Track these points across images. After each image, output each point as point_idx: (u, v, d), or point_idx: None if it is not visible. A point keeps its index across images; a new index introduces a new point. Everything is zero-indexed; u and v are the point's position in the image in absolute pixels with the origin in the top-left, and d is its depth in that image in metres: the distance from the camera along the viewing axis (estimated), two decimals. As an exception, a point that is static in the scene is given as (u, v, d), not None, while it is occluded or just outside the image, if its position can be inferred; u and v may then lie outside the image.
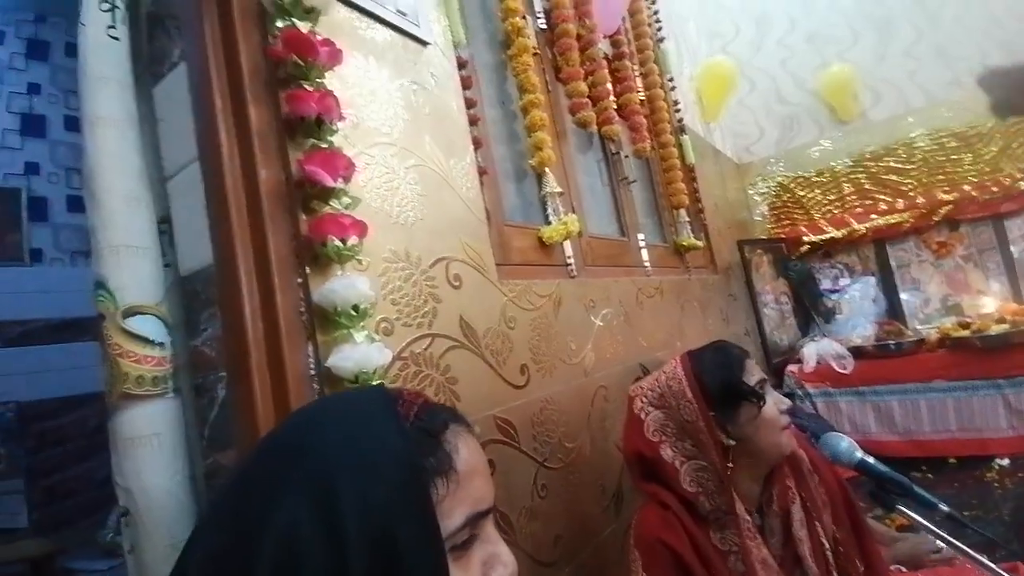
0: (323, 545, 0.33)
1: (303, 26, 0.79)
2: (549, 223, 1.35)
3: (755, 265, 2.92)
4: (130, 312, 0.88)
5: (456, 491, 0.40)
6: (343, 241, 0.73)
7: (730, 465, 0.89)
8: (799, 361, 2.64)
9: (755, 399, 0.91)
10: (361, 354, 0.71)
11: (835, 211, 3.22)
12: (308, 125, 0.75)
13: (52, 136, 3.73)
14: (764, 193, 3.45)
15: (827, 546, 0.88)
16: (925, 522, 0.83)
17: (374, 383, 0.73)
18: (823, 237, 3.15)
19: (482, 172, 1.14)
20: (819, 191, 3.27)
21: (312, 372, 0.73)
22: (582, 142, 1.80)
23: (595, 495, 1.23)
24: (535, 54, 1.47)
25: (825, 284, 3.13)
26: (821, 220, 3.22)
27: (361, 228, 0.75)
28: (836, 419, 2.49)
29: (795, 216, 3.34)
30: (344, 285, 0.72)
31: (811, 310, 3.00)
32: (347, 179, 0.76)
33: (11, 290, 3.38)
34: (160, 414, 0.86)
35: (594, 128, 1.72)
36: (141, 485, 0.82)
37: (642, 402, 0.97)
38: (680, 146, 2.45)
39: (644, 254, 1.87)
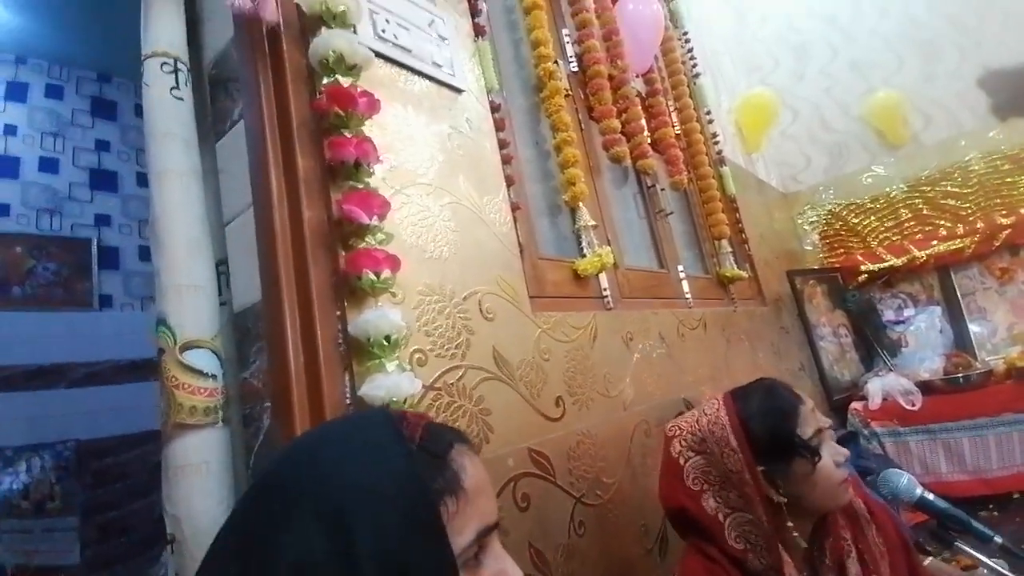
0: (338, 570, 0.33)
1: (345, 81, 0.86)
2: (584, 256, 1.36)
3: (808, 296, 2.80)
4: (187, 346, 0.95)
5: (465, 508, 0.40)
6: (377, 275, 0.77)
7: (790, 524, 0.81)
8: (863, 398, 2.47)
9: (809, 454, 0.83)
10: (392, 383, 0.74)
11: (893, 238, 3.06)
12: (347, 168, 0.81)
13: (124, 191, 4.09)
14: (814, 222, 3.34)
15: None
16: (982, 557, 0.76)
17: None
18: (882, 266, 2.99)
19: (515, 208, 1.18)
20: (874, 218, 3.13)
21: (348, 401, 0.76)
22: (617, 177, 1.82)
23: (637, 536, 1.18)
24: (567, 95, 1.52)
25: (888, 315, 2.95)
26: (879, 248, 3.07)
27: (394, 262, 0.79)
28: (905, 460, 2.30)
29: (850, 244, 3.20)
30: (377, 316, 0.75)
31: (875, 343, 2.82)
32: (382, 217, 0.81)
33: (78, 333, 3.67)
34: (210, 443, 0.91)
35: (628, 163, 1.74)
36: (189, 512, 0.86)
37: (681, 445, 0.89)
38: (720, 177, 2.43)
39: (685, 285, 1.84)
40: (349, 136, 0.82)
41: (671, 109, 2.21)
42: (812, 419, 0.86)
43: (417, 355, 0.85)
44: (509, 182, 1.19)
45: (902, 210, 3.06)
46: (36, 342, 3.45)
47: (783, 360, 2.36)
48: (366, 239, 0.79)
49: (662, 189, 1.92)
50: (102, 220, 3.94)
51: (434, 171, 1.01)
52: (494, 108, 1.23)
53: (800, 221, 3.39)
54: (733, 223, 2.42)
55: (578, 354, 1.19)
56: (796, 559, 0.81)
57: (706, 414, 0.89)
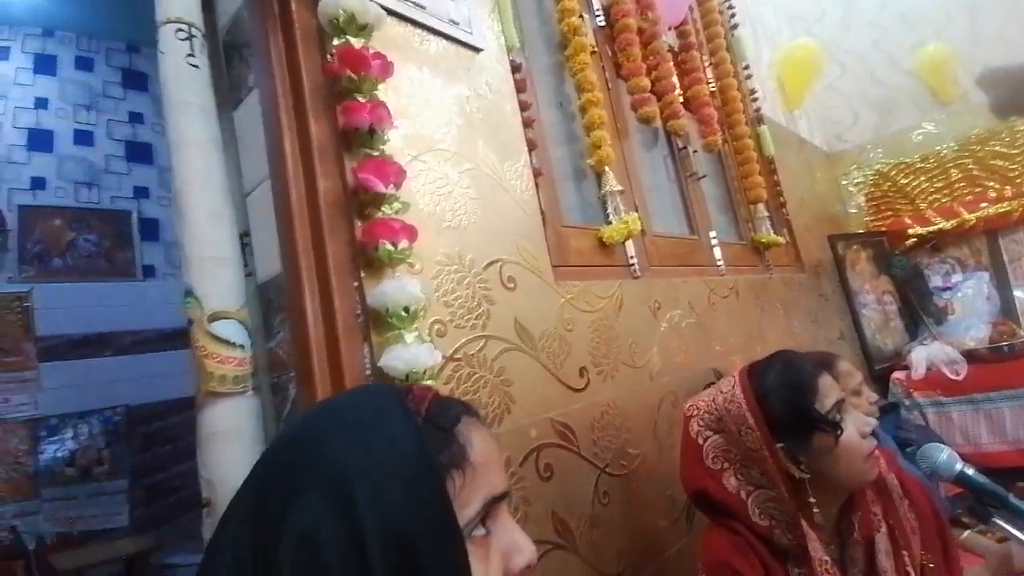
0: (343, 547, 0.33)
1: (357, 42, 0.83)
2: (609, 223, 1.31)
3: (851, 262, 2.67)
4: (215, 317, 0.96)
5: (472, 481, 0.40)
6: (394, 245, 0.75)
7: (812, 500, 0.78)
8: (906, 367, 2.38)
9: (830, 427, 0.79)
10: (411, 354, 0.73)
11: (943, 199, 2.88)
12: (362, 135, 0.79)
13: (160, 163, 4.16)
14: (860, 183, 3.16)
15: (913, 575, 0.77)
16: (1017, 532, 0.74)
17: (427, 383, 0.75)
18: (931, 229, 2.82)
19: (537, 173, 1.14)
20: (924, 178, 2.93)
21: (367, 372, 0.76)
22: (646, 139, 1.74)
23: (663, 506, 1.17)
24: (593, 52, 1.44)
25: (935, 281, 2.79)
26: (928, 210, 2.89)
27: (411, 232, 0.77)
28: (947, 431, 2.23)
29: (898, 206, 3.02)
30: (395, 287, 0.74)
31: (920, 311, 2.69)
32: (398, 185, 0.79)
33: (123, 303, 3.82)
34: (240, 410, 0.93)
35: (658, 123, 1.66)
36: (222, 476, 0.89)
37: (699, 425, 0.88)
38: (757, 137, 2.31)
39: (717, 252, 1.77)
40: (363, 101, 0.79)
41: (706, 64, 2.08)
42: (833, 389, 0.83)
43: (437, 326, 0.83)
44: (531, 146, 1.14)
45: (952, 170, 2.86)
46: (79, 312, 3.61)
47: (821, 328, 2.27)
48: (382, 208, 0.77)
49: (694, 151, 1.83)
50: (140, 192, 4.04)
51: (452, 136, 0.98)
52: (515, 68, 1.17)
53: (845, 182, 3.21)
54: (771, 186, 2.31)
55: (603, 324, 1.16)
56: (822, 534, 0.79)
57: (722, 392, 0.87)
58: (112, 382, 3.63)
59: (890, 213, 3.04)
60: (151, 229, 4.03)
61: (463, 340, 0.87)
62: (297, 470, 0.37)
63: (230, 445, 0.91)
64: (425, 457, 0.37)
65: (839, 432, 0.79)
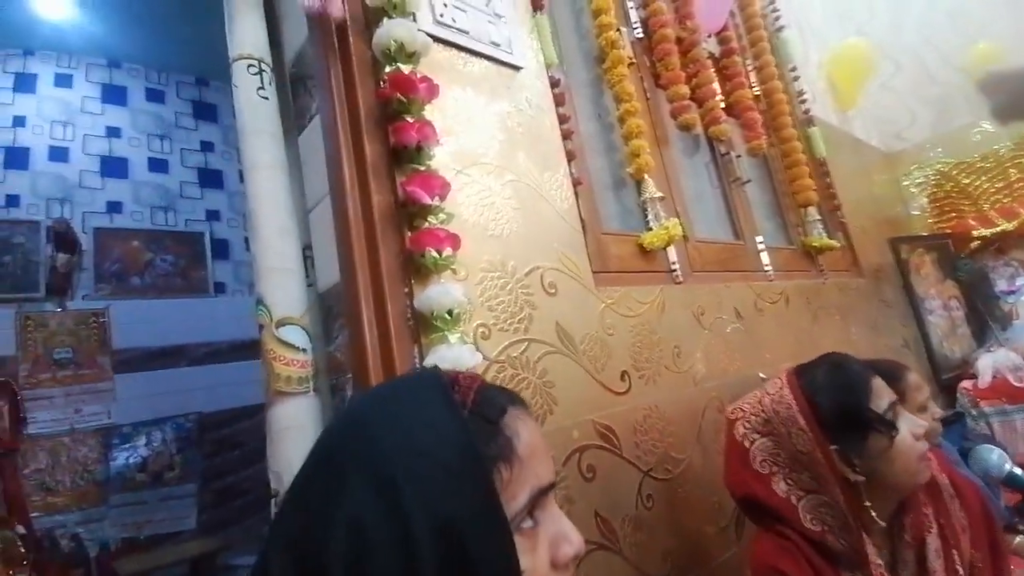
0: (390, 535, 0.33)
1: (406, 68, 0.90)
2: (650, 229, 1.33)
3: (915, 266, 2.54)
4: (281, 323, 1.05)
5: (519, 474, 0.40)
6: (439, 252, 0.81)
7: (868, 504, 0.77)
8: (973, 376, 2.23)
9: (885, 428, 0.78)
10: (455, 355, 0.78)
11: (1004, 200, 2.71)
12: (410, 152, 0.86)
13: (229, 188, 4.46)
14: (922, 183, 3.00)
15: (962, 574, 0.75)
16: None
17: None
18: (995, 230, 2.65)
19: (576, 183, 1.17)
20: (985, 178, 2.77)
21: (417, 371, 0.82)
22: (687, 146, 1.75)
23: (710, 513, 1.16)
24: (631, 64, 1.48)
25: (1000, 285, 2.62)
26: (991, 211, 2.72)
27: (455, 240, 0.83)
28: (1011, 440, 2.06)
29: (962, 207, 2.85)
30: (440, 292, 0.79)
31: (986, 316, 2.52)
32: (443, 197, 0.85)
33: (196, 317, 4.10)
34: (303, 408, 1.01)
35: (699, 130, 1.66)
36: (288, 469, 0.97)
37: (744, 427, 0.86)
38: (807, 139, 2.25)
39: (764, 257, 1.74)
40: (411, 121, 0.86)
41: (749, 69, 2.07)
42: (886, 391, 0.81)
43: (481, 329, 0.88)
44: (570, 157, 1.18)
45: (1011, 170, 2.71)
46: (156, 326, 3.91)
47: (882, 336, 2.17)
48: (428, 219, 0.83)
49: (737, 156, 1.82)
50: (212, 215, 4.36)
51: (494, 150, 1.03)
52: (553, 83, 1.22)
53: (906, 183, 3.06)
54: (823, 188, 2.24)
55: (644, 329, 1.18)
56: (876, 537, 0.78)
57: (769, 393, 0.86)
58: (185, 391, 3.89)
59: (954, 214, 2.88)
60: (222, 249, 4.33)
61: (506, 343, 0.91)
62: (343, 457, 0.38)
63: (295, 440, 0.99)
64: (471, 449, 0.37)
65: (894, 433, 0.77)
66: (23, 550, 2.34)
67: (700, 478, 1.17)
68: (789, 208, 2.07)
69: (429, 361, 0.78)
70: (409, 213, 0.86)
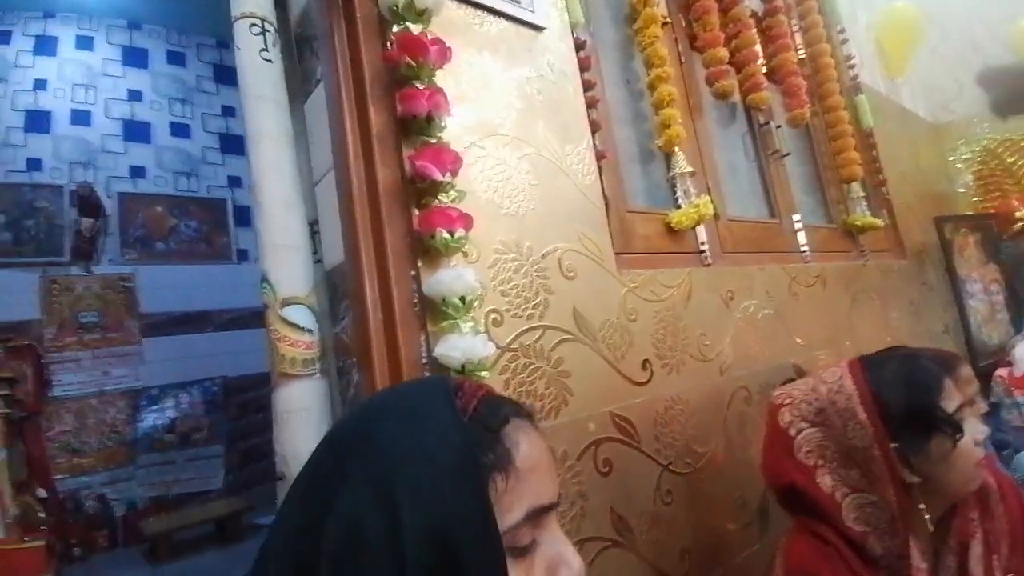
0: (382, 535, 0.34)
1: (416, 28, 0.82)
2: (679, 207, 1.24)
3: (958, 247, 2.38)
4: (286, 302, 1.01)
5: (516, 487, 0.39)
6: (450, 233, 0.75)
7: (922, 506, 0.72)
8: (1009, 364, 2.11)
9: (952, 431, 0.72)
10: (468, 344, 0.72)
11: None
12: (419, 122, 0.78)
13: (251, 154, 4.41)
14: (968, 159, 2.79)
15: None
16: None
17: (482, 373, 0.74)
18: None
19: (600, 156, 1.09)
20: (1027, 158, 2.57)
21: (424, 360, 0.76)
22: (723, 115, 1.62)
23: (732, 509, 1.11)
24: (665, 24, 1.35)
25: (1040, 269, 2.45)
26: (1033, 192, 2.54)
27: (467, 220, 0.76)
28: None
29: (1006, 187, 2.66)
30: (451, 276, 0.73)
31: None
32: (454, 173, 0.78)
33: (222, 284, 4.14)
34: (309, 391, 0.98)
35: (737, 98, 1.54)
36: (294, 452, 0.94)
37: (792, 415, 0.80)
38: (854, 108, 2.09)
39: (801, 237, 1.63)
40: (420, 88, 0.78)
41: (794, 30, 1.90)
42: (957, 392, 0.75)
43: (493, 315, 0.82)
44: (594, 128, 1.09)
45: None
46: (181, 291, 3.98)
47: (923, 321, 2.05)
48: (439, 197, 0.77)
49: (777, 126, 1.69)
50: (234, 181, 4.36)
51: (511, 120, 0.95)
52: (578, 46, 1.12)
53: (952, 158, 2.85)
54: (868, 162, 2.09)
55: (669, 314, 1.10)
56: (921, 542, 0.73)
57: (826, 382, 0.79)
58: (210, 356, 3.98)
59: (998, 194, 2.70)
60: (244, 216, 4.34)
61: (519, 330, 0.85)
62: (347, 457, 0.38)
63: (301, 424, 0.96)
64: (467, 454, 0.37)
65: (959, 436, 0.72)
66: (41, 515, 2.44)
67: (723, 472, 1.11)
68: (831, 183, 1.93)
69: (438, 351, 0.73)
70: (418, 189, 0.79)
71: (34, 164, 3.62)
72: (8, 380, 2.57)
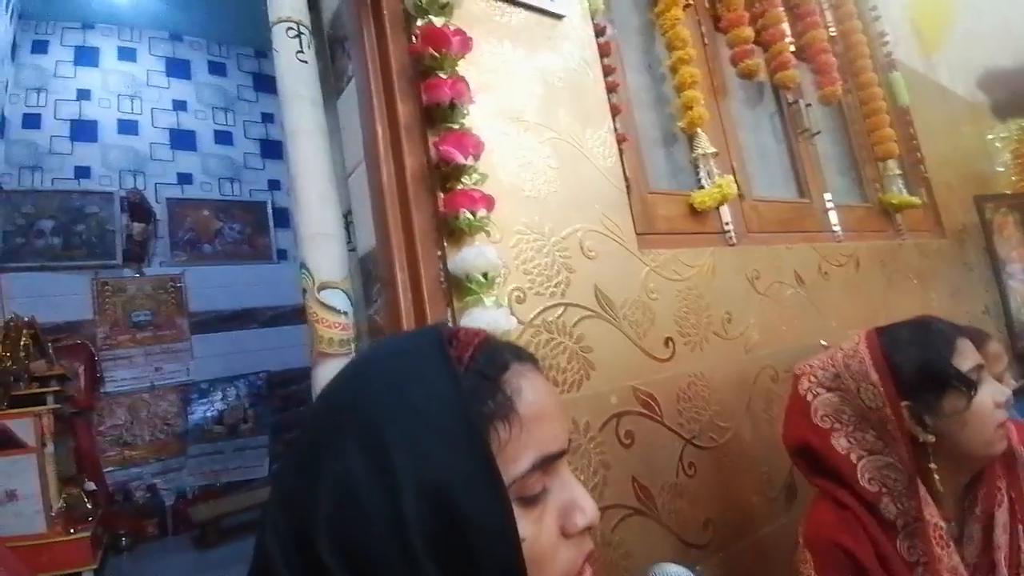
0: (377, 493, 0.32)
1: (439, 21, 0.86)
2: (702, 187, 1.25)
3: (998, 226, 2.28)
4: (323, 287, 1.07)
5: (520, 435, 0.37)
6: (473, 214, 0.79)
7: (932, 466, 0.73)
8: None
9: (965, 387, 0.72)
10: (490, 318, 0.76)
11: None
12: (443, 110, 0.83)
13: (288, 158, 4.60)
14: (1006, 138, 2.66)
15: None
16: None
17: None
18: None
19: (621, 139, 1.11)
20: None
21: (451, 335, 0.81)
22: (749, 96, 1.61)
23: (758, 483, 1.12)
24: (687, 6, 1.36)
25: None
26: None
27: (489, 201, 0.81)
28: None
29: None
30: (474, 254, 0.78)
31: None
32: (477, 156, 0.82)
33: (264, 282, 4.31)
34: (346, 370, 1.04)
35: (763, 77, 1.53)
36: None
37: (810, 382, 0.83)
38: (889, 85, 2.03)
39: (832, 217, 1.61)
40: (444, 77, 0.83)
41: (824, 7, 1.86)
42: (972, 354, 0.75)
43: (516, 292, 0.86)
44: (615, 112, 1.12)
45: None
46: (227, 291, 4.17)
47: (963, 302, 1.98)
48: (462, 180, 0.81)
49: (807, 105, 1.66)
50: (273, 185, 4.54)
51: (533, 107, 0.99)
52: (599, 32, 1.15)
53: (991, 136, 2.72)
54: (905, 140, 2.03)
55: (691, 294, 1.12)
56: (946, 509, 0.74)
57: (842, 349, 0.82)
58: (255, 351, 4.16)
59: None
60: (283, 218, 4.51)
61: (542, 307, 0.89)
62: (336, 416, 0.37)
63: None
64: (461, 406, 0.35)
65: (973, 393, 0.73)
66: (89, 507, 2.59)
67: (749, 448, 1.12)
68: (866, 162, 1.89)
69: (464, 324, 0.78)
70: (442, 174, 0.83)
71: (82, 172, 3.83)
72: (59, 377, 2.73)
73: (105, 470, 3.46)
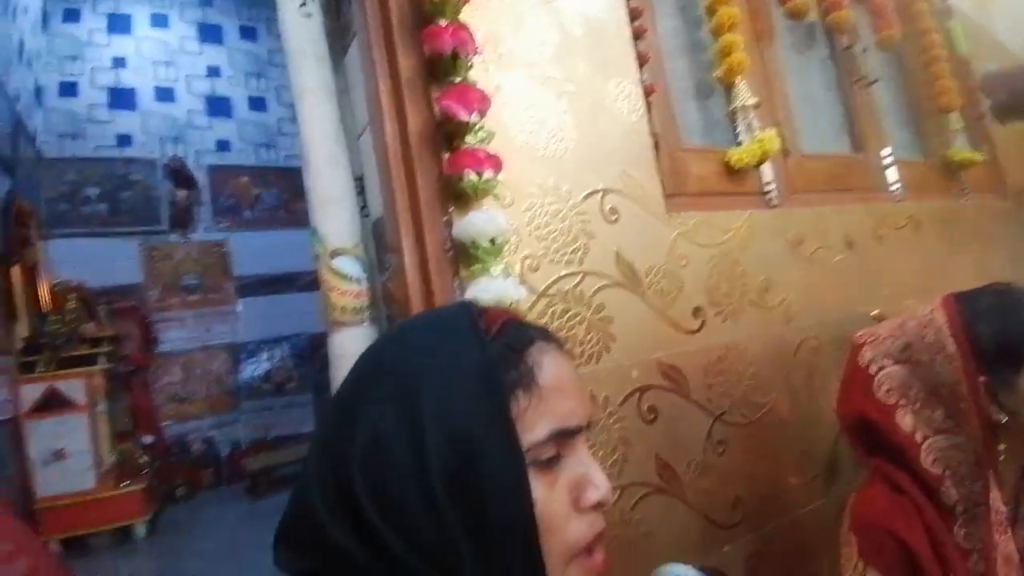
0: (405, 440, 0.36)
1: (442, -39, 0.78)
2: (740, 143, 1.14)
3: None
4: (335, 253, 1.05)
5: (538, 405, 0.39)
6: (479, 175, 0.73)
7: (1001, 447, 0.67)
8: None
9: None
10: (499, 287, 0.72)
11: None
12: (445, 61, 0.76)
13: (319, 121, 4.61)
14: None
15: None
16: None
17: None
18: None
19: (649, 91, 1.01)
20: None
21: (457, 305, 0.77)
22: (798, 39, 1.45)
23: (795, 462, 1.05)
24: (728, -63, 1.21)
25: None
26: None
27: (496, 162, 0.74)
28: None
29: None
30: (481, 219, 0.72)
31: None
32: (482, 113, 0.75)
33: (303, 247, 4.39)
34: (359, 338, 1.02)
35: (815, 17, 1.37)
36: (347, 396, 0.99)
37: (874, 352, 0.75)
38: (947, 32, 1.80)
39: (891, 174, 1.45)
40: (444, 24, 0.75)
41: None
42: None
43: (528, 260, 0.81)
44: (642, 60, 1.01)
45: None
46: (268, 255, 4.28)
47: (1021, 270, 1.79)
48: (466, 138, 0.75)
49: (863, 50, 1.49)
50: (307, 150, 4.57)
51: (547, 56, 0.90)
52: (625, -31, 1.03)
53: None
54: (966, 92, 1.80)
55: (725, 260, 1.03)
56: (1004, 491, 0.69)
57: (915, 317, 0.74)
58: (298, 313, 4.30)
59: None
60: (316, 183, 4.54)
61: (557, 275, 0.83)
62: (376, 373, 0.41)
63: (353, 370, 1.01)
64: (486, 369, 0.38)
65: None
66: (143, 460, 2.75)
67: (786, 424, 1.05)
68: (927, 115, 1.69)
69: (469, 295, 0.73)
70: (447, 133, 0.77)
71: (124, 140, 3.94)
72: (112, 338, 2.87)
73: (163, 424, 3.70)
